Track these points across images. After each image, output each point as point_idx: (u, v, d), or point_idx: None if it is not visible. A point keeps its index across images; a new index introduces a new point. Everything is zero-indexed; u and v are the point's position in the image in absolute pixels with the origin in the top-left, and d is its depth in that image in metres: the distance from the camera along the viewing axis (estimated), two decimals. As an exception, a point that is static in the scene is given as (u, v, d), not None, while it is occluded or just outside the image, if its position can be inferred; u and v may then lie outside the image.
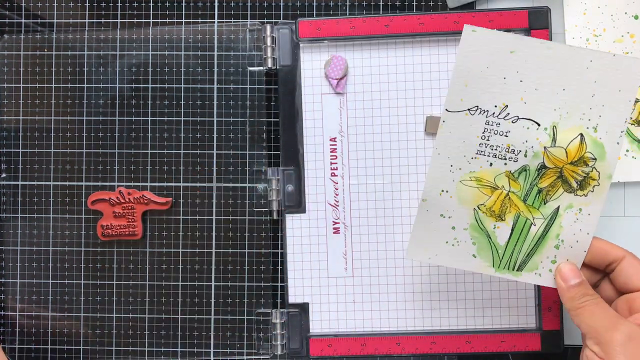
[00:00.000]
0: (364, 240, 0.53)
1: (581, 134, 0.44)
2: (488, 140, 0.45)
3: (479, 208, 0.46)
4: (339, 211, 0.53)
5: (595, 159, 0.45)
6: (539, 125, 0.44)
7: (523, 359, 0.54)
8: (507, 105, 0.44)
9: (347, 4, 0.54)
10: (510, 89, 0.44)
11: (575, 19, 0.52)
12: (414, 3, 0.54)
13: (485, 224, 0.46)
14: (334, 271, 0.53)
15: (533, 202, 0.45)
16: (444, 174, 0.45)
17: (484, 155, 0.45)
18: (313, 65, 0.53)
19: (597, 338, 0.41)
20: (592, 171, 0.45)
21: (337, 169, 0.53)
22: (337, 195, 0.53)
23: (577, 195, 0.45)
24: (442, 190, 0.46)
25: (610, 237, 0.52)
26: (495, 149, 0.45)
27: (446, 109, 0.45)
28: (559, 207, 0.45)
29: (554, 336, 0.51)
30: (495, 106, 0.44)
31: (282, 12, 0.55)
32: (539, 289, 0.52)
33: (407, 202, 0.52)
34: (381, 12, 0.54)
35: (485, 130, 0.45)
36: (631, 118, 0.52)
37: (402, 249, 0.52)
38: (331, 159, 0.53)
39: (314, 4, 0.54)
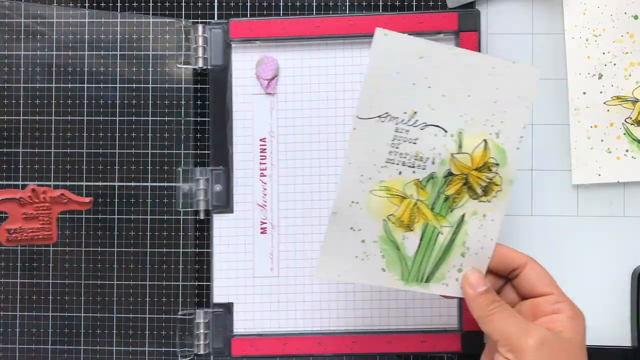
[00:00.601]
0: (291, 241, 0.53)
1: (485, 140, 0.44)
2: (398, 148, 0.44)
3: (388, 219, 0.45)
4: (266, 211, 0.53)
5: (498, 164, 0.45)
6: (445, 131, 0.44)
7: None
8: (416, 112, 0.44)
9: (347, 3, 0.54)
10: (419, 95, 0.44)
11: (575, 19, 0.52)
12: (414, 3, 0.54)
13: (394, 235, 0.45)
14: (260, 271, 0.53)
15: (440, 210, 0.45)
16: (354, 184, 0.44)
17: (393, 163, 0.44)
18: (245, 65, 0.53)
19: (511, 345, 0.41)
20: (495, 177, 0.45)
21: (266, 169, 0.53)
22: (265, 195, 0.53)
23: (481, 201, 0.45)
24: (353, 202, 0.44)
25: (610, 236, 0.53)
26: (405, 157, 0.44)
27: (357, 116, 0.44)
28: (464, 214, 0.45)
29: (474, 337, 0.52)
30: (405, 112, 0.44)
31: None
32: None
33: (333, 202, 0.52)
34: (381, 11, 0.54)
35: (395, 137, 0.44)
36: (631, 118, 0.52)
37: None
38: (260, 159, 0.53)
39: (314, 3, 0.55)
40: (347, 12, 0.54)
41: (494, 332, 0.42)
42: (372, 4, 0.54)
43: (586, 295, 0.53)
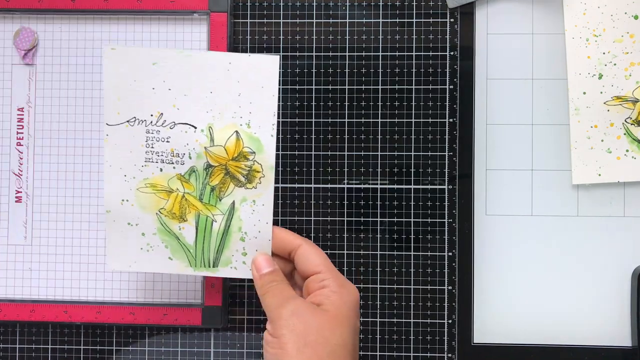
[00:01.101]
0: (45, 210, 0.54)
1: (236, 131, 0.47)
2: (152, 147, 0.47)
3: (160, 212, 0.48)
4: (22, 180, 0.54)
5: (254, 152, 0.47)
6: (195, 128, 0.47)
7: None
8: (162, 113, 0.47)
9: (347, 3, 0.54)
10: (161, 97, 0.47)
11: (575, 19, 0.52)
12: (414, 3, 0.54)
13: (170, 227, 0.48)
14: (13, 239, 0.55)
15: (209, 200, 0.48)
16: (120, 184, 0.47)
17: (152, 162, 0.47)
18: (5, 35, 0.54)
19: (270, 316, 0.44)
20: (254, 164, 0.47)
21: (22, 138, 0.54)
22: (21, 164, 0.54)
23: (247, 188, 0.48)
24: (123, 200, 0.48)
25: (610, 236, 0.53)
26: (161, 155, 0.47)
27: (107, 123, 0.47)
28: (234, 201, 0.48)
29: (214, 311, 0.53)
30: (152, 115, 0.47)
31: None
32: None
33: (87, 174, 0.54)
34: (381, 11, 0.54)
35: (148, 138, 0.47)
36: (631, 118, 0.52)
37: (81, 220, 0.54)
38: (18, 128, 0.54)
39: (314, 3, 0.54)
40: (347, 11, 0.54)
41: (265, 307, 0.45)
42: (372, 3, 0.54)
43: (586, 295, 0.53)
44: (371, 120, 0.54)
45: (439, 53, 0.53)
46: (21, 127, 0.54)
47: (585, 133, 0.52)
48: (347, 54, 0.54)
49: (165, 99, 0.47)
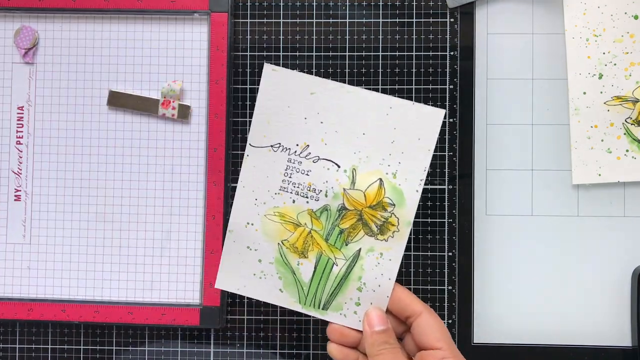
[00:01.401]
0: (44, 209, 0.54)
1: (380, 179, 0.46)
2: (290, 177, 0.46)
3: (282, 243, 0.47)
4: (21, 179, 0.54)
5: (394, 204, 0.45)
6: (338, 166, 0.46)
7: None
8: (308, 145, 0.46)
9: (347, 3, 0.54)
10: (311, 129, 0.46)
11: (575, 19, 0.52)
12: (414, 3, 0.54)
13: (289, 260, 0.47)
14: (12, 238, 0.55)
15: (335, 242, 0.46)
16: (249, 206, 0.47)
17: (287, 191, 0.46)
18: (5, 34, 0.54)
19: None
20: (391, 217, 0.46)
21: (22, 137, 0.54)
22: (21, 163, 0.54)
23: (377, 239, 0.46)
24: (248, 223, 0.47)
25: (610, 237, 0.53)
26: (298, 187, 0.46)
27: (249, 144, 0.46)
28: (360, 249, 0.46)
29: (212, 312, 0.53)
30: (297, 145, 0.46)
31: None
32: (203, 265, 0.53)
33: (87, 173, 0.54)
34: (381, 11, 0.54)
35: (288, 167, 0.46)
36: (631, 118, 0.52)
37: (80, 219, 0.54)
38: (17, 127, 0.54)
39: (314, 3, 0.54)
40: (347, 11, 0.54)
41: None
42: (372, 3, 0.54)
43: (586, 295, 0.53)
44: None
45: (439, 53, 0.53)
46: (21, 125, 0.54)
47: (586, 133, 0.52)
48: (347, 54, 0.54)
49: (315, 131, 0.46)
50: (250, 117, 0.54)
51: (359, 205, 0.46)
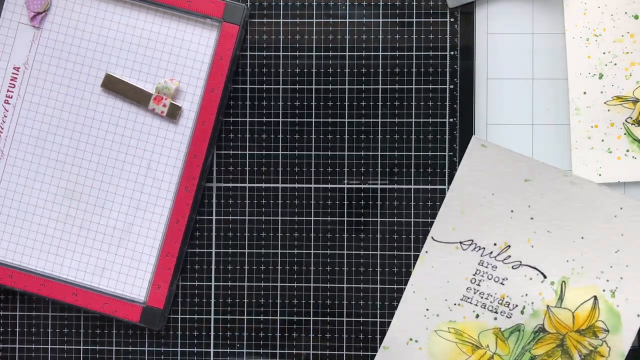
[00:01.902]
0: (15, 172, 0.54)
1: (595, 297, 0.37)
2: (479, 285, 0.37)
3: None
4: (1, 138, 0.54)
5: (608, 330, 0.36)
6: (545, 277, 0.37)
7: None
8: (509, 246, 0.37)
9: (347, 3, 0.54)
10: (516, 225, 0.37)
11: (575, 19, 0.52)
12: (414, 3, 0.54)
13: None
14: None
15: None
16: (416, 318, 0.38)
17: (470, 303, 0.37)
18: None
19: None
20: (601, 345, 0.37)
21: (11, 97, 0.54)
22: (3, 122, 0.54)
23: None
24: (411, 339, 0.38)
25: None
26: (486, 298, 0.37)
27: (432, 237, 0.38)
28: None
29: (154, 312, 0.52)
30: (495, 244, 0.37)
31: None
32: (156, 265, 0.52)
33: (65, 148, 0.54)
34: (381, 11, 0.54)
35: (478, 272, 0.37)
36: (631, 118, 0.52)
37: (48, 191, 0.54)
38: (9, 86, 0.54)
39: (314, 3, 0.54)
40: (347, 11, 0.54)
41: None
42: (372, 3, 0.54)
43: (587, 296, 0.53)
44: (371, 120, 0.54)
45: (439, 53, 0.53)
46: (13, 85, 0.54)
47: (586, 133, 0.52)
48: (347, 54, 0.54)
49: (521, 229, 0.36)
50: (248, 117, 0.54)
51: (563, 328, 0.36)
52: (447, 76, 0.53)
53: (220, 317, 0.54)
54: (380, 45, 0.54)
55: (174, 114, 0.53)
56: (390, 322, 0.53)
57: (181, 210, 0.53)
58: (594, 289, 0.36)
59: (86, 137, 0.54)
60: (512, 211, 0.36)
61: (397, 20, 0.54)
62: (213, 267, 0.54)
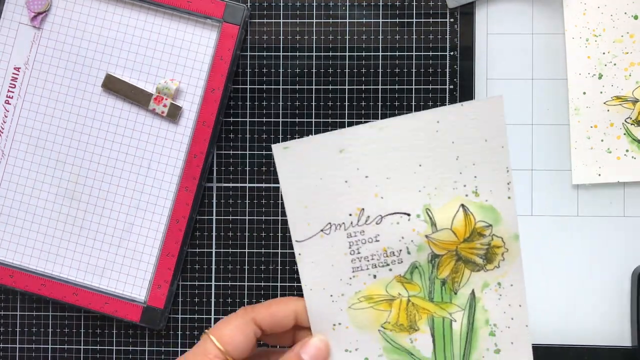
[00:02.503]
0: (16, 173, 0.54)
1: (462, 205, 0.38)
2: (359, 252, 0.38)
3: (384, 328, 0.39)
4: (1, 138, 0.54)
5: (490, 225, 0.38)
6: (409, 215, 0.38)
7: None
8: (363, 209, 0.38)
9: (347, 3, 0.54)
10: (358, 189, 0.37)
11: (575, 19, 0.52)
12: (414, 3, 0.54)
13: (400, 342, 0.39)
14: None
15: (442, 297, 0.39)
16: (327, 307, 0.38)
17: (362, 270, 0.38)
18: None
19: None
20: (492, 239, 0.38)
21: (12, 97, 0.54)
22: (4, 122, 0.54)
23: (487, 270, 0.38)
24: (334, 324, 0.39)
25: (610, 236, 0.53)
26: (372, 259, 0.38)
27: (296, 241, 0.38)
28: (473, 291, 0.39)
29: (154, 312, 0.52)
30: (350, 214, 0.38)
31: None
32: (156, 265, 0.53)
33: (66, 148, 0.54)
34: (381, 11, 0.54)
35: (351, 243, 0.38)
36: (631, 118, 0.52)
37: (48, 191, 0.54)
38: (10, 87, 0.54)
39: (314, 3, 0.54)
40: (347, 11, 0.54)
41: None
42: (372, 3, 0.54)
43: (586, 295, 0.53)
44: (371, 120, 0.54)
45: (439, 53, 0.53)
46: (13, 86, 0.54)
47: (585, 133, 0.52)
48: (347, 54, 0.54)
49: (364, 190, 0.37)
50: (248, 117, 0.54)
51: (451, 245, 0.38)
52: (447, 76, 0.53)
53: (220, 317, 0.54)
54: (380, 45, 0.54)
55: (174, 114, 0.53)
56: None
57: (181, 210, 0.53)
58: (457, 199, 0.37)
59: (86, 137, 0.54)
60: (346, 181, 0.37)
61: (397, 20, 0.54)
62: (213, 267, 0.54)
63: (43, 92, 0.54)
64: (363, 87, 0.54)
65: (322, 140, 0.37)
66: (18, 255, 0.54)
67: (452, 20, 0.53)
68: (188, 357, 0.37)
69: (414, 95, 0.53)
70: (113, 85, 0.53)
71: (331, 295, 0.39)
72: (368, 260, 0.38)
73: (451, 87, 0.53)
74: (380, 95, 0.54)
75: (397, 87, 0.54)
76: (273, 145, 0.37)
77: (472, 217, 0.38)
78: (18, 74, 0.54)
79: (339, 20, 0.54)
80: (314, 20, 0.54)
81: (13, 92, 0.54)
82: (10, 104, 0.54)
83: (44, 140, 0.54)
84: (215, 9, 0.52)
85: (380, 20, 0.54)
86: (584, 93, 0.52)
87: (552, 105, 0.53)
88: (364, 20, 0.54)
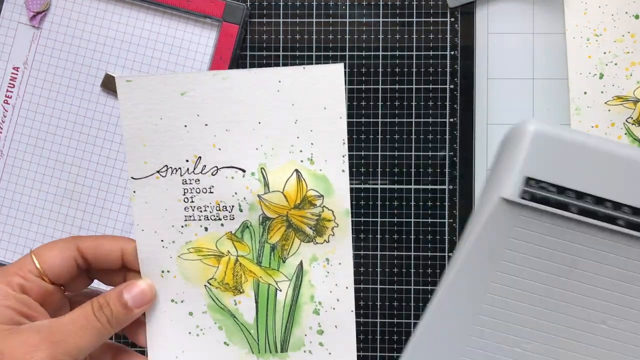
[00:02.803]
0: (15, 173, 0.54)
1: (297, 170, 0.37)
2: (193, 201, 0.37)
3: (210, 284, 0.38)
4: (0, 138, 0.54)
5: (322, 195, 0.37)
6: (244, 171, 0.37)
7: None
8: (200, 157, 0.37)
9: (347, 3, 0.54)
10: (197, 137, 0.37)
11: (576, 19, 0.52)
12: (414, 3, 0.53)
13: (224, 302, 0.38)
14: None
15: (270, 263, 0.38)
16: (157, 252, 0.38)
17: (194, 220, 0.38)
18: None
19: None
20: (323, 211, 0.37)
21: (11, 97, 0.54)
22: (3, 122, 0.54)
23: (317, 243, 0.37)
24: (163, 271, 0.38)
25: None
26: (205, 210, 0.37)
27: (132, 177, 0.37)
28: (301, 262, 0.38)
29: None
30: (187, 160, 0.37)
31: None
32: None
33: (65, 148, 0.54)
34: (381, 11, 0.54)
35: (186, 190, 0.37)
36: (632, 118, 0.52)
37: (47, 191, 0.54)
38: (9, 86, 0.54)
39: (314, 3, 0.54)
40: (347, 11, 0.54)
41: None
42: (372, 3, 0.54)
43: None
44: (371, 120, 0.54)
45: (439, 53, 0.53)
46: (12, 85, 0.54)
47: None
48: (347, 53, 0.54)
49: (203, 138, 0.37)
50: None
51: (282, 209, 0.37)
52: (447, 76, 0.53)
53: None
54: (380, 45, 0.54)
55: None
56: (385, 321, 0.53)
57: (181, 210, 0.53)
58: (292, 164, 0.37)
59: (85, 136, 0.54)
60: (185, 126, 0.37)
61: (397, 20, 0.54)
62: None
63: (42, 91, 0.54)
64: (363, 86, 0.54)
65: (166, 80, 0.36)
66: (17, 255, 0.54)
67: (452, 19, 0.53)
68: (6, 268, 0.37)
69: (414, 95, 0.53)
70: (112, 85, 0.53)
71: (162, 240, 0.38)
72: (201, 211, 0.37)
73: (451, 86, 0.53)
74: (380, 95, 0.54)
75: (397, 87, 0.53)
76: (117, 77, 0.37)
77: (304, 184, 0.37)
78: (17, 74, 0.54)
79: (339, 20, 0.54)
80: (314, 20, 0.54)
81: (12, 91, 0.54)
82: (9, 103, 0.54)
83: (43, 140, 0.54)
84: (215, 8, 0.52)
85: (381, 20, 0.54)
86: (585, 93, 0.52)
87: (552, 105, 0.53)
88: (364, 20, 0.54)
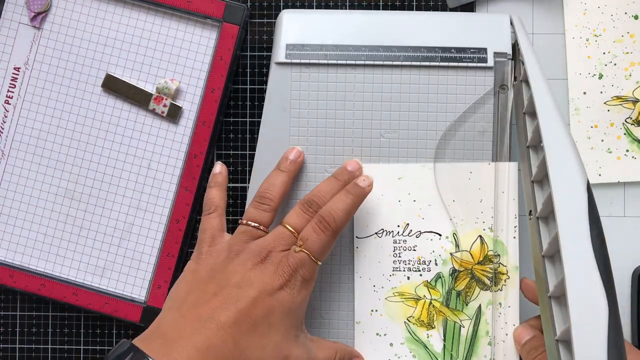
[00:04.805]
0: (16, 173, 0.54)
1: (480, 236, 0.49)
2: (400, 256, 0.49)
3: (409, 321, 0.49)
4: (1, 138, 0.54)
5: (498, 255, 0.49)
6: (440, 235, 0.49)
7: None
8: (408, 224, 0.49)
9: (347, 3, 0.54)
10: (407, 209, 0.49)
11: (575, 19, 0.52)
12: (414, 2, 0.54)
13: (419, 335, 0.49)
14: None
15: (456, 305, 0.49)
16: (369, 294, 0.49)
17: (400, 270, 0.49)
18: None
19: None
20: (499, 267, 0.49)
21: (12, 97, 0.54)
22: (4, 122, 0.54)
23: (493, 291, 0.49)
24: (372, 310, 0.49)
25: (610, 236, 0.52)
26: (408, 263, 0.49)
27: (356, 236, 0.50)
28: (480, 305, 0.49)
29: (156, 313, 0.51)
30: (398, 226, 0.49)
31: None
32: (156, 265, 0.53)
33: (66, 148, 0.54)
34: (381, 10, 0.54)
35: (395, 248, 0.49)
36: (631, 118, 0.52)
37: (48, 191, 0.54)
38: (9, 87, 0.54)
39: (314, 3, 0.54)
40: (381, 9, 0.54)
41: None
42: (372, 3, 0.54)
43: (586, 296, 0.54)
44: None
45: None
46: (13, 86, 0.54)
47: (586, 133, 0.52)
48: (347, 54, 0.54)
49: (411, 210, 0.49)
50: (248, 117, 0.54)
51: (468, 264, 0.49)
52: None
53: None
54: (381, 45, 0.54)
55: (174, 114, 0.53)
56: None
57: (181, 210, 0.53)
58: (477, 231, 0.49)
59: (86, 137, 0.54)
60: (399, 201, 0.50)
61: (397, 20, 0.54)
62: None
63: (43, 92, 0.54)
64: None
65: (387, 168, 0.50)
66: (18, 255, 0.54)
67: (452, 20, 0.53)
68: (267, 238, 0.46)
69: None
70: (113, 85, 0.53)
71: (374, 286, 0.50)
72: (405, 264, 0.49)
73: (451, 87, 0.53)
74: (380, 95, 0.54)
75: (397, 87, 0.54)
76: (354, 160, 0.50)
77: (486, 246, 0.49)
78: (18, 74, 0.54)
79: (339, 20, 0.54)
80: (314, 20, 0.54)
81: (13, 92, 0.54)
82: (10, 104, 0.54)
83: (43, 140, 0.54)
84: (215, 8, 0.52)
85: (381, 20, 0.54)
86: (584, 93, 0.52)
87: (552, 105, 0.53)
88: (364, 20, 0.54)
